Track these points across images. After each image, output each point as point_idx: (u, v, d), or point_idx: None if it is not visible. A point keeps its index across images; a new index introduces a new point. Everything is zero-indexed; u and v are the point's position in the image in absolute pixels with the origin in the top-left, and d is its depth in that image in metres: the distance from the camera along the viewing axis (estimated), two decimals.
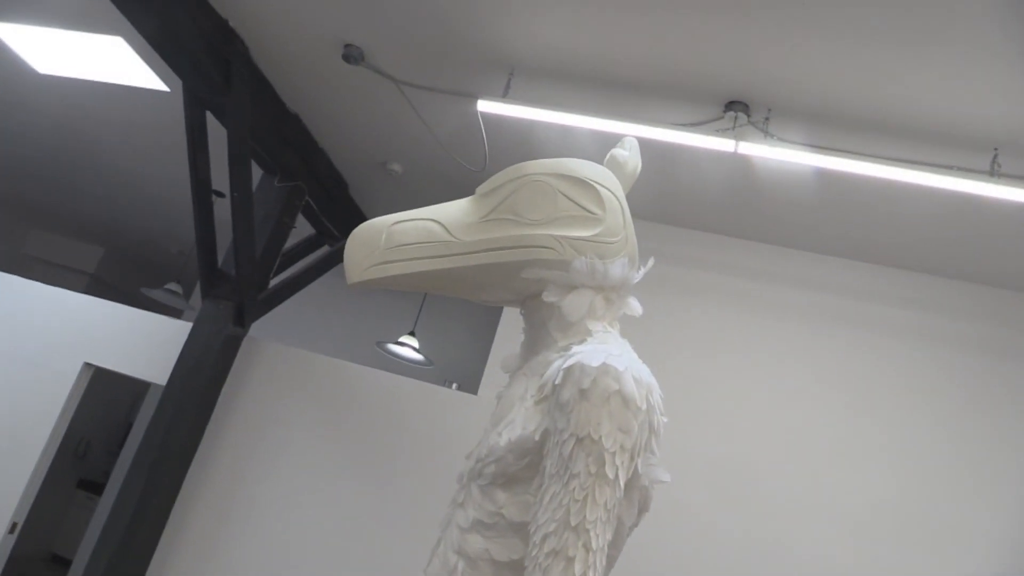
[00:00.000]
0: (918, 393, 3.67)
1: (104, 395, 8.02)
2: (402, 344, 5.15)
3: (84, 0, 3.56)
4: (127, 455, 6.53)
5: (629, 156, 1.41)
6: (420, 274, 1.25)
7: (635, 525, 1.18)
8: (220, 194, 4.78)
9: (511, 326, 4.16)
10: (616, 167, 1.38)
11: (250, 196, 4.04)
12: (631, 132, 3.09)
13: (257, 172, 4.37)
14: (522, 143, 3.68)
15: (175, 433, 4.08)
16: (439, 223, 1.27)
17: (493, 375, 4.10)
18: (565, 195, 1.25)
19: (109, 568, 3.86)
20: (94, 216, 7.46)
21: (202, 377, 4.17)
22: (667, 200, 3.93)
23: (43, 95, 4.89)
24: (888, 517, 3.48)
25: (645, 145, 3.18)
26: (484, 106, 3.27)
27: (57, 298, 4.93)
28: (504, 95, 3.30)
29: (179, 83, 3.77)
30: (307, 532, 3.96)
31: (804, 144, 3.03)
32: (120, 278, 8.56)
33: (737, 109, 3.07)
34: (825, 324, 3.86)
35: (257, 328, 4.50)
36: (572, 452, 1.02)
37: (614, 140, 1.50)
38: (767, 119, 3.06)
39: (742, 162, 3.34)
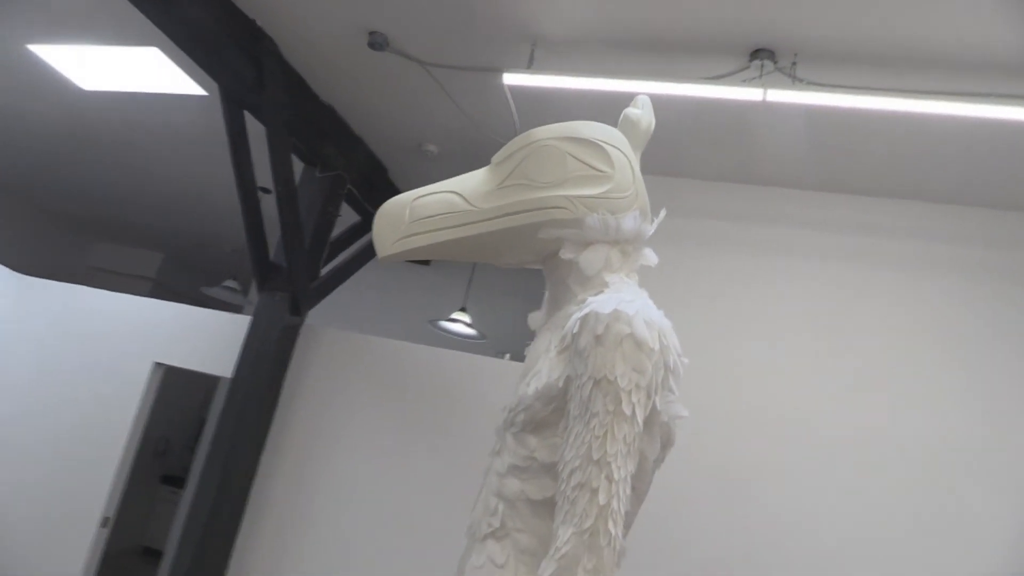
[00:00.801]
0: (970, 329, 3.63)
1: (177, 394, 8.34)
2: (454, 320, 5.26)
3: (116, 15, 3.69)
4: (203, 449, 6.82)
5: (642, 114, 1.45)
6: (444, 243, 1.34)
7: (660, 460, 1.24)
8: (266, 190, 4.91)
9: None
10: (629, 126, 1.42)
11: (294, 190, 4.17)
12: (657, 90, 3.10)
13: (298, 166, 4.50)
14: (550, 112, 3.70)
15: (245, 423, 4.27)
16: (458, 194, 1.35)
17: None
18: (574, 156, 1.31)
19: (195, 556, 4.09)
20: (151, 223, 7.73)
21: (265, 367, 4.34)
22: (725, 156, 3.91)
23: (90, 112, 5.09)
24: (947, 462, 3.46)
25: (676, 102, 3.20)
26: (510, 79, 3.31)
27: (124, 303, 5.16)
28: (529, 66, 3.34)
29: (216, 86, 3.89)
30: (376, 506, 4.11)
31: (833, 86, 3.00)
32: (180, 280, 8.86)
33: (763, 57, 3.05)
34: (870, 265, 3.83)
35: (313, 316, 4.65)
36: (591, 394, 1.10)
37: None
38: (794, 63, 3.03)
39: (772, 110, 3.32)
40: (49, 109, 5.25)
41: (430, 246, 1.32)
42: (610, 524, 1.04)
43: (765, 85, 2.99)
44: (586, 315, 1.15)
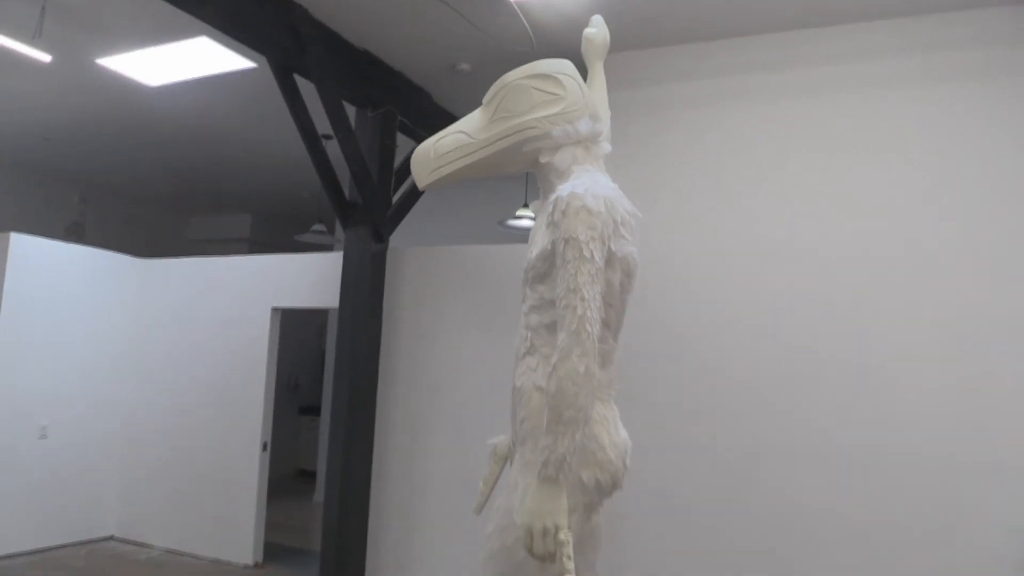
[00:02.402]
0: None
1: (296, 334, 9.24)
2: (519, 217, 5.75)
3: (162, 16, 4.19)
4: (328, 378, 7.67)
5: (596, 32, 1.89)
6: (461, 168, 1.85)
7: (628, 287, 1.73)
8: (329, 136, 5.45)
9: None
10: (588, 43, 1.86)
11: (352, 133, 4.67)
12: None
13: (351, 110, 4.98)
14: (558, 15, 4.05)
15: (357, 345, 4.94)
16: (464, 132, 1.84)
17: None
18: (536, 88, 1.79)
19: (343, 472, 4.84)
20: (235, 190, 8.46)
21: (363, 293, 4.97)
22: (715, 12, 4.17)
23: (163, 104, 5.70)
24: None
25: None
26: None
27: (235, 263, 5.92)
28: None
29: (263, 58, 4.39)
30: (481, 398, 4.73)
31: None
32: (273, 234, 9.64)
33: None
34: (883, 90, 4.05)
35: (394, 239, 5.23)
36: (564, 249, 1.60)
37: None
38: None
39: None
40: (126, 110, 5.90)
41: (453, 172, 1.83)
42: (587, 325, 1.54)
43: None
44: (556, 199, 1.65)
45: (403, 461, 4.95)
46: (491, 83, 1.85)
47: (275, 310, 5.65)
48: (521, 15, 3.85)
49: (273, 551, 5.63)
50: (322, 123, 4.69)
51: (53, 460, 5.59)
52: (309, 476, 9.49)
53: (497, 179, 6.45)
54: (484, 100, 1.84)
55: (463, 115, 1.88)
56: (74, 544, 5.71)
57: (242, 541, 5.43)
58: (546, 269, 1.67)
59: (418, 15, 4.27)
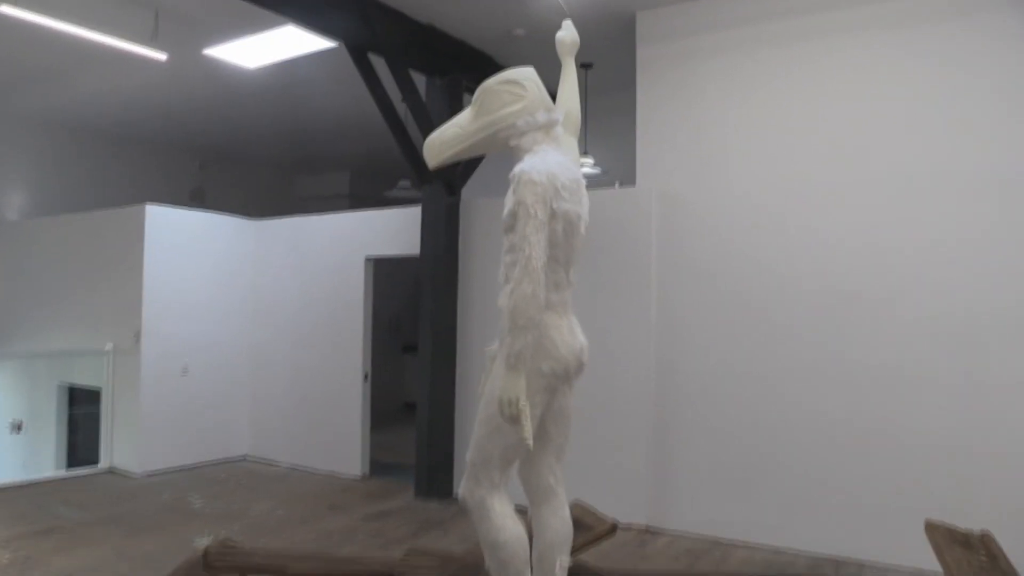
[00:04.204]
0: None
1: (398, 279, 10.13)
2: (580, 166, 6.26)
3: (254, 12, 4.90)
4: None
5: (566, 34, 2.47)
6: (458, 152, 2.48)
7: (572, 233, 2.29)
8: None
9: (647, 128, 5.13)
10: (559, 44, 2.47)
11: (421, 101, 5.31)
12: None
13: (421, 80, 5.61)
14: None
15: (437, 287, 5.65)
16: (458, 126, 2.45)
17: (644, 165, 5.09)
18: (506, 90, 2.38)
19: (431, 397, 5.65)
20: (333, 151, 9.35)
21: (440, 241, 5.66)
22: None
23: (262, 82, 6.51)
24: None
25: None
26: None
27: (332, 220, 6.76)
28: None
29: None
30: None
31: None
32: (368, 189, 10.49)
33: None
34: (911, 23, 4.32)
35: (466, 192, 5.88)
36: (518, 210, 2.19)
37: None
38: None
39: None
40: (232, 90, 6.79)
41: (452, 155, 2.47)
42: (533, 263, 2.12)
43: None
44: (512, 174, 2.24)
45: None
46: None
47: (368, 259, 6.44)
48: None
49: (377, 467, 6.53)
50: (397, 93, 5.34)
51: (194, 393, 6.66)
52: (413, 409, 10.45)
53: None
54: (472, 101, 2.44)
55: None
56: (215, 462, 6.81)
57: (351, 457, 6.37)
58: (511, 223, 2.25)
59: None
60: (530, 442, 2.13)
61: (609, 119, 6.43)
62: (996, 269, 4.04)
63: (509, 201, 2.24)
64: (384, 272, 6.77)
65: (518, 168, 2.24)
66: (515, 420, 2.10)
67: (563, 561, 2.41)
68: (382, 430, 7.68)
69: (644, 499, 4.93)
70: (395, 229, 6.31)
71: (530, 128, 2.37)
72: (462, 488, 2.38)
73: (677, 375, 4.91)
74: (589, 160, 6.26)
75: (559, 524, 2.42)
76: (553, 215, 2.23)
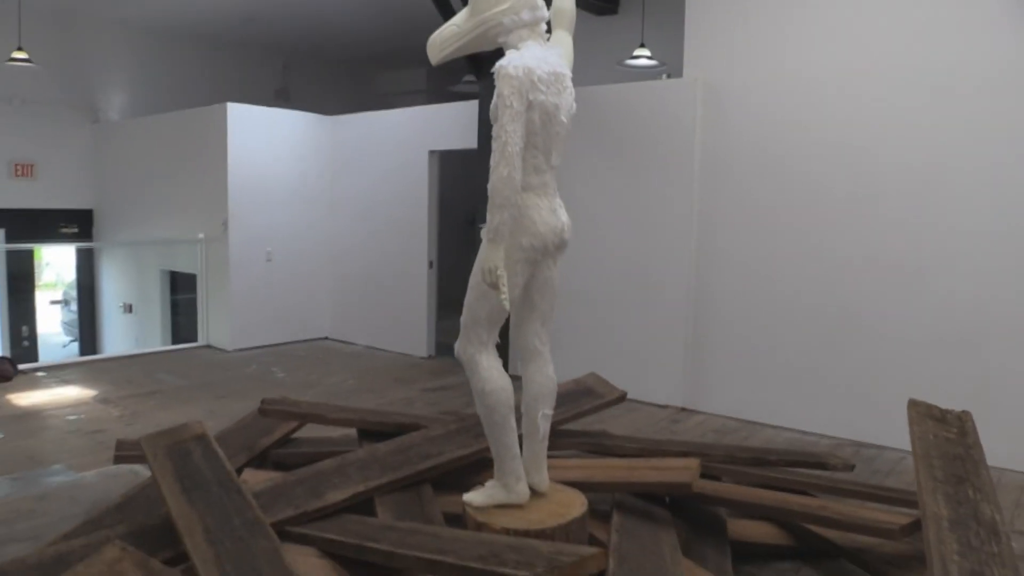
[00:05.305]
0: None
1: (475, 173, 10.42)
2: (636, 57, 6.27)
3: None
4: None
5: (566, 5, 2.78)
6: (456, 50, 2.69)
7: (550, 123, 2.50)
8: None
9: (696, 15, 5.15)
10: (558, 13, 2.77)
11: None
12: None
13: None
14: None
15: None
16: (455, 24, 2.68)
17: (692, 54, 5.12)
18: None
19: None
20: (410, 46, 9.53)
21: None
22: None
23: None
24: None
25: None
26: None
27: (398, 115, 7.10)
28: None
29: None
30: (609, 219, 5.52)
31: None
32: (440, 85, 10.71)
33: None
34: None
35: None
36: (497, 100, 2.40)
37: None
38: None
39: None
40: None
41: (451, 53, 2.69)
42: (509, 148, 2.35)
43: None
44: (494, 68, 2.44)
45: None
46: None
47: (432, 152, 6.76)
48: None
49: (443, 348, 7.03)
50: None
51: (278, 278, 7.28)
52: None
53: (611, 21, 6.93)
54: (468, 2, 2.66)
55: None
56: (298, 341, 7.48)
57: (419, 339, 6.92)
58: (496, 113, 2.45)
59: None
60: (507, 305, 2.45)
61: (672, 10, 6.38)
62: None
63: (494, 94, 2.48)
64: (460, 169, 7.09)
65: (498, 63, 2.45)
66: (494, 286, 2.41)
67: (546, 412, 2.77)
68: (452, 315, 8.15)
69: (680, 382, 5.23)
70: (456, 123, 6.56)
71: (516, 26, 2.55)
72: (456, 346, 2.75)
73: (715, 267, 5.08)
74: (645, 52, 6.25)
75: (543, 379, 2.78)
76: (530, 105, 2.45)
